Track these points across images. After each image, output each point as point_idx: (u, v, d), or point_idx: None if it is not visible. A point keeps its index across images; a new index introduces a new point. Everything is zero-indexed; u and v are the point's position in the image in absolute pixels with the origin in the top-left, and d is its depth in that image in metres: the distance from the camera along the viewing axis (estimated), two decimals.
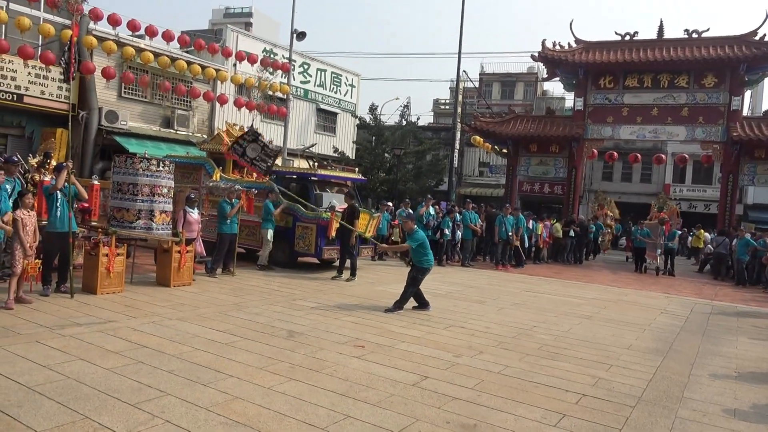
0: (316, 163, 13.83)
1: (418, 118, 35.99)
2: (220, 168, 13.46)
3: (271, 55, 23.81)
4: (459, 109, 31.01)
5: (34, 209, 7.49)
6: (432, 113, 48.71)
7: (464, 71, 29.84)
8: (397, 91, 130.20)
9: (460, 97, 31.18)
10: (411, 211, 15.53)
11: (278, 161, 20.08)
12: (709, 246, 20.27)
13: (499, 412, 4.51)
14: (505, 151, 24.54)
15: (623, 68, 21.21)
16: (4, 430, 3.62)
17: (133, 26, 14.39)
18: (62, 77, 16.73)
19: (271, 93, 19.77)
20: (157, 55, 15.90)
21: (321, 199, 12.59)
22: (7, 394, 4.15)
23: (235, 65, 21.30)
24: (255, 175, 14.68)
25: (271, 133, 23.92)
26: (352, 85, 30.24)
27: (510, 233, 15.60)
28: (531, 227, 17.52)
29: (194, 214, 10.24)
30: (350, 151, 29.81)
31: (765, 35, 19.73)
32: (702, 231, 23.04)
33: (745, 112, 23.25)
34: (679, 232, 20.18)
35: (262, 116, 22.53)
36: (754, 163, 20.50)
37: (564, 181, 23.64)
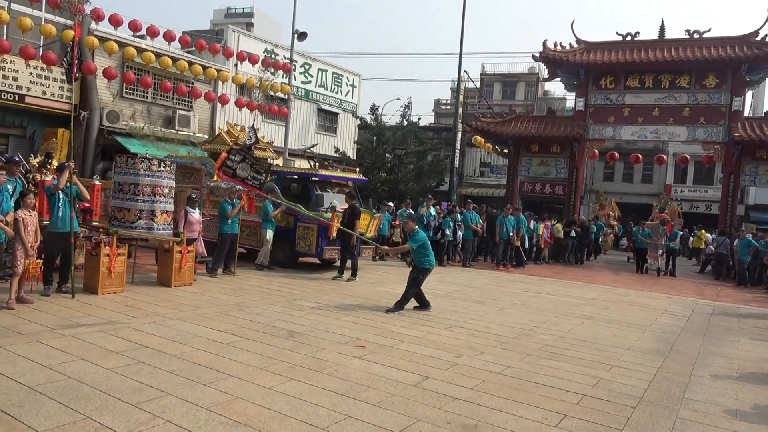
0: (317, 164, 13.84)
1: (419, 119, 36.04)
2: None
3: (273, 56, 23.82)
4: (460, 110, 31.03)
5: (36, 209, 7.50)
6: (433, 113, 48.72)
7: (465, 71, 29.88)
8: (398, 92, 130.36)
9: (461, 98, 31.18)
10: (412, 211, 15.53)
11: (279, 161, 20.11)
12: (711, 246, 20.25)
13: (499, 413, 4.50)
14: (506, 151, 24.54)
15: (624, 68, 21.20)
16: (5, 430, 3.62)
17: (134, 26, 14.39)
18: (64, 77, 16.81)
19: (272, 93, 19.79)
20: (158, 55, 15.91)
21: (322, 199, 12.59)
22: (8, 394, 4.16)
23: (236, 65, 21.29)
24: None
25: (272, 133, 23.94)
26: (353, 86, 30.25)
27: (511, 233, 15.59)
28: (532, 227, 17.53)
29: (195, 214, 10.25)
30: (351, 152, 29.81)
31: (766, 36, 19.70)
32: (703, 231, 23.02)
33: (747, 112, 23.24)
34: (681, 233, 20.16)
35: (263, 116, 22.54)
36: (756, 164, 20.48)
37: (565, 181, 23.63)
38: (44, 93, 17.03)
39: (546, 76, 25.60)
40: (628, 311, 10.06)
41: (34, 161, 10.33)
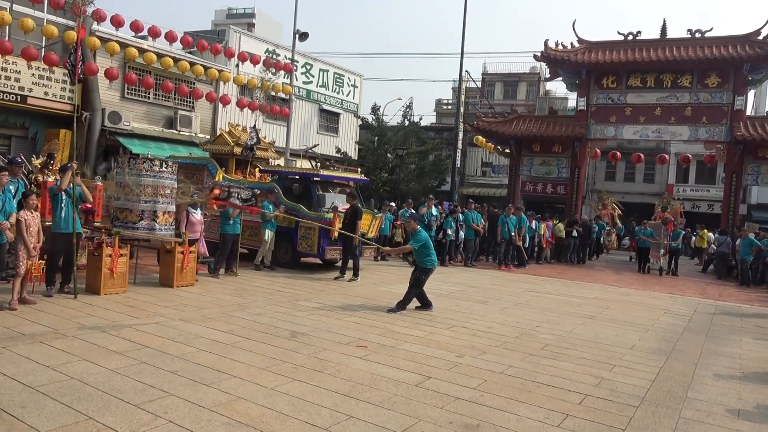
0: (319, 164, 13.83)
1: (420, 119, 36.02)
2: (223, 168, 13.49)
3: (274, 56, 23.82)
4: (461, 109, 31.00)
5: (38, 210, 7.51)
6: (434, 113, 48.76)
7: (467, 71, 29.88)
8: (400, 92, 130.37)
9: (462, 97, 31.16)
10: (413, 211, 15.53)
11: (281, 162, 20.13)
12: (713, 246, 20.22)
13: (501, 412, 4.50)
14: (507, 151, 24.52)
15: (626, 68, 21.17)
16: (7, 430, 3.63)
17: (136, 27, 14.43)
18: (66, 78, 16.85)
19: (273, 93, 19.79)
20: (160, 55, 15.94)
21: (324, 199, 12.59)
22: (11, 395, 4.17)
23: (237, 66, 21.30)
24: (258, 175, 14.73)
25: (273, 133, 23.95)
26: (354, 86, 30.25)
27: (512, 233, 15.58)
28: (534, 227, 17.52)
29: (197, 215, 10.26)
30: (353, 152, 29.82)
31: None
32: (705, 231, 22.98)
33: (749, 111, 23.19)
34: (683, 232, 20.13)
35: (265, 117, 22.55)
36: (758, 163, 20.45)
37: (567, 181, 23.60)
38: (46, 94, 17.05)
39: (547, 75, 25.58)
40: (631, 311, 10.04)
41: (37, 162, 10.36)
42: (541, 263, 18.08)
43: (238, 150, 13.86)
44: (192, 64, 17.00)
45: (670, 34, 21.74)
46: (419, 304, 8.59)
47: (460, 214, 15.69)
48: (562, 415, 4.53)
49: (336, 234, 11.41)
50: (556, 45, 22.15)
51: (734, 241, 17.18)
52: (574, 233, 18.97)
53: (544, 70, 31.69)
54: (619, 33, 22.02)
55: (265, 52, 23.52)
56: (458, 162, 32.34)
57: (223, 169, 13.48)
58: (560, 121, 23.50)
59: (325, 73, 28.34)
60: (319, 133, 28.16)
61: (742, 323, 9.57)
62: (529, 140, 23.21)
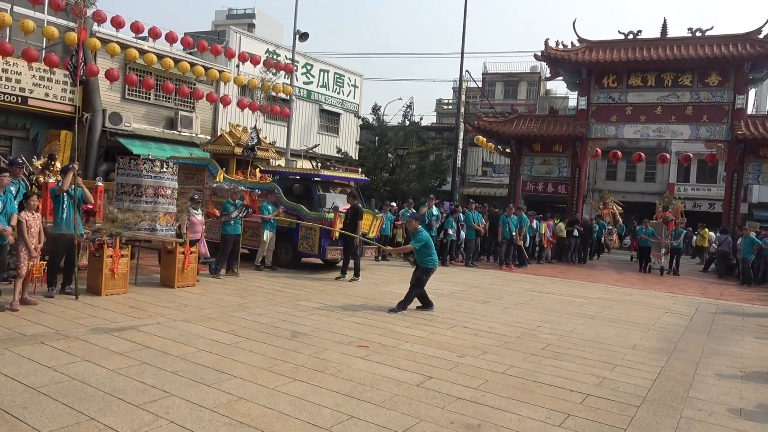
0: (319, 164, 13.85)
1: (421, 118, 36.01)
2: (224, 169, 13.50)
3: (274, 56, 23.82)
4: (462, 109, 30.98)
5: (39, 211, 7.52)
6: (435, 113, 48.74)
7: (467, 71, 29.87)
8: (400, 92, 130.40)
9: (463, 97, 31.15)
10: (414, 211, 15.53)
11: (281, 162, 20.13)
12: (714, 245, 20.20)
13: (503, 412, 4.50)
14: (508, 150, 24.51)
15: (627, 67, 21.17)
16: (9, 431, 3.63)
17: (136, 28, 14.44)
18: (67, 79, 16.86)
19: (274, 94, 19.79)
20: (160, 56, 15.94)
21: (324, 199, 12.60)
22: (12, 396, 4.17)
23: (238, 66, 21.30)
24: (258, 176, 14.74)
25: (274, 134, 23.96)
26: (354, 86, 30.25)
27: (513, 233, 15.58)
28: (535, 227, 17.51)
29: (198, 216, 10.26)
30: (353, 152, 29.82)
31: None
32: (707, 230, 22.97)
33: (750, 110, 23.17)
34: (685, 231, 20.12)
35: (265, 117, 22.54)
36: (759, 162, 20.43)
37: (568, 180, 23.59)
38: (47, 95, 17.06)
39: (548, 75, 25.56)
40: (632, 310, 10.04)
41: (37, 163, 10.37)
42: (542, 263, 18.07)
43: (238, 150, 13.87)
44: (192, 64, 17.00)
45: (671, 33, 21.73)
46: (420, 304, 8.59)
47: (461, 214, 15.68)
48: (563, 415, 4.53)
49: (337, 234, 11.41)
50: (557, 44, 22.14)
51: (735, 240, 17.17)
52: (575, 233, 18.97)
53: (545, 69, 31.67)
54: (619, 32, 22.03)
55: (265, 53, 23.52)
56: (459, 162, 32.34)
57: (224, 169, 13.48)
58: (561, 120, 23.49)
59: (326, 74, 28.34)
60: (319, 134, 28.16)
61: (744, 322, 9.56)
62: (530, 140, 23.20)
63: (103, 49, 14.31)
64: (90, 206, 9.10)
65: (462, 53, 25.61)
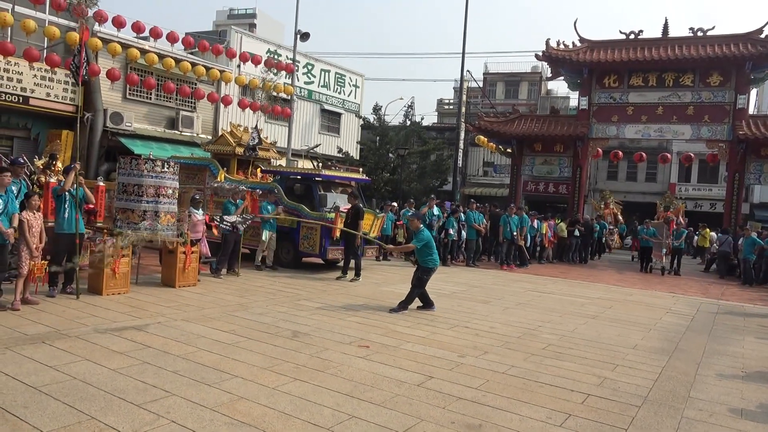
0: (321, 164, 13.85)
1: (422, 118, 36.04)
2: (225, 169, 13.50)
3: (275, 56, 23.84)
4: (463, 109, 30.98)
5: (40, 211, 7.53)
6: (436, 113, 48.72)
7: (468, 71, 29.81)
8: (401, 92, 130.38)
9: (464, 97, 31.16)
10: (414, 210, 15.53)
11: (283, 162, 20.13)
12: (715, 245, 20.19)
13: (504, 412, 4.50)
14: (509, 150, 24.51)
15: (628, 67, 21.15)
16: (11, 430, 3.64)
17: (137, 28, 14.45)
18: (68, 79, 16.88)
19: (275, 94, 19.82)
20: (161, 56, 15.95)
21: (325, 199, 12.60)
22: (13, 395, 4.17)
23: (239, 66, 21.32)
24: (259, 175, 14.74)
25: (275, 133, 23.96)
26: (356, 86, 30.26)
27: (514, 233, 15.58)
28: (536, 227, 17.50)
29: (199, 215, 10.27)
30: (354, 152, 29.83)
31: None
32: (708, 230, 22.95)
33: (751, 110, 23.16)
34: (686, 231, 20.11)
35: (267, 117, 22.58)
36: (761, 162, 20.42)
37: (569, 180, 23.58)
38: (48, 95, 17.08)
39: (549, 75, 25.54)
40: (633, 310, 10.03)
41: (39, 163, 10.38)
42: (543, 263, 18.06)
43: (239, 150, 13.87)
44: (194, 64, 17.01)
45: (672, 33, 21.73)
46: (421, 304, 8.59)
47: (461, 214, 15.68)
48: (564, 415, 4.52)
49: (338, 234, 11.41)
50: (558, 44, 22.13)
51: (736, 241, 17.15)
52: (576, 233, 18.95)
53: (546, 69, 31.63)
54: (620, 32, 22.01)
55: (266, 53, 23.54)
56: (460, 162, 32.35)
57: (225, 169, 13.48)
58: (562, 120, 23.49)
59: (327, 74, 28.34)
60: (320, 134, 28.17)
61: (745, 322, 9.55)
62: (531, 140, 23.19)
63: (104, 49, 14.33)
64: (91, 206, 9.11)
65: (463, 53, 25.61)
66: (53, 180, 9.57)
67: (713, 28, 20.70)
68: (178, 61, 16.14)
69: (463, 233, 15.54)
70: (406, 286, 8.82)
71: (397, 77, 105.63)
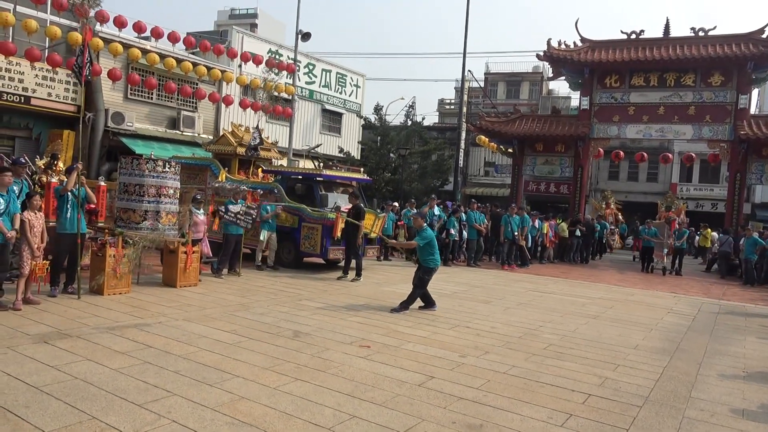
0: (322, 164, 13.85)
1: (423, 118, 36.01)
2: (226, 169, 13.50)
3: (277, 56, 23.86)
4: (464, 109, 30.97)
5: (42, 210, 7.54)
6: (437, 113, 48.72)
7: (469, 71, 29.72)
8: (402, 92, 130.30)
9: (465, 97, 31.13)
10: (415, 210, 15.51)
11: (284, 162, 20.14)
12: (716, 245, 20.17)
13: (505, 412, 4.49)
14: (510, 150, 24.50)
15: (629, 67, 21.14)
16: (12, 430, 3.64)
17: (138, 28, 14.47)
18: (69, 79, 16.90)
19: (276, 94, 19.84)
20: (162, 56, 15.97)
21: (326, 199, 12.60)
22: (15, 395, 4.18)
23: (240, 66, 21.35)
24: (261, 175, 14.75)
25: (276, 133, 23.98)
26: (357, 86, 30.26)
27: (515, 233, 15.57)
28: (537, 226, 17.49)
29: (200, 215, 10.28)
30: (355, 152, 29.84)
31: None
32: (709, 230, 22.93)
33: (753, 110, 23.13)
34: (688, 231, 20.10)
35: (268, 117, 22.59)
36: (762, 162, 20.40)
37: (570, 180, 23.57)
38: (50, 95, 17.10)
39: (550, 75, 25.52)
40: (634, 310, 10.02)
41: (40, 163, 10.38)
42: (544, 263, 18.05)
43: (241, 150, 13.88)
44: (195, 64, 17.02)
45: (674, 32, 21.76)
46: (422, 304, 8.59)
47: (463, 214, 15.68)
48: (565, 415, 4.52)
49: (339, 233, 11.42)
50: (559, 44, 22.12)
51: (737, 241, 17.13)
52: (578, 233, 18.95)
53: (547, 69, 31.61)
54: (622, 32, 21.99)
55: (267, 53, 23.55)
56: (461, 162, 32.32)
57: (226, 169, 13.48)
58: (563, 120, 23.48)
59: (328, 73, 28.35)
60: (321, 133, 28.18)
61: (747, 323, 9.54)
62: (532, 140, 23.19)
63: (105, 49, 14.34)
64: (93, 206, 9.12)
65: (464, 53, 25.61)
66: (54, 180, 9.58)
67: (715, 28, 20.70)
68: (179, 61, 16.16)
69: (464, 233, 15.54)
70: (407, 286, 8.82)
71: (399, 77, 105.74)
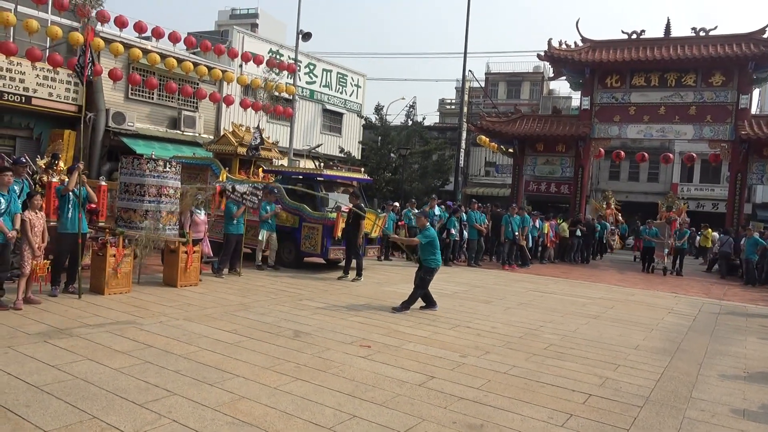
0: (322, 164, 13.85)
1: (423, 118, 36.02)
2: (227, 168, 13.51)
3: (277, 56, 23.86)
4: (465, 109, 30.96)
5: (43, 210, 7.54)
6: (438, 113, 48.70)
7: (470, 71, 29.73)
8: (403, 91, 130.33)
9: (465, 97, 31.12)
10: (416, 211, 15.52)
11: (284, 162, 20.14)
12: (717, 245, 20.15)
13: (505, 412, 4.49)
14: (511, 150, 24.50)
15: (630, 67, 21.13)
16: (13, 429, 3.64)
17: (139, 28, 14.48)
18: (70, 79, 16.90)
19: (277, 94, 19.85)
20: (163, 56, 15.98)
21: (327, 199, 12.60)
22: (15, 394, 4.18)
23: (241, 66, 21.36)
24: (261, 175, 14.76)
25: (277, 133, 23.98)
26: (357, 86, 30.26)
27: (516, 233, 15.56)
28: (537, 226, 17.49)
29: (201, 215, 10.28)
30: (356, 152, 29.84)
31: None
32: (710, 230, 22.91)
33: (754, 110, 23.11)
34: (689, 232, 20.09)
35: (268, 117, 22.58)
36: (763, 162, 20.39)
37: (571, 180, 23.57)
38: (51, 95, 17.11)
39: (551, 75, 25.52)
40: (635, 310, 10.02)
41: (41, 162, 10.40)
42: (545, 263, 18.04)
43: (241, 150, 13.89)
44: (196, 64, 17.02)
45: (674, 32, 21.76)
46: (423, 304, 8.59)
47: (463, 214, 15.67)
48: (566, 415, 4.52)
49: (339, 233, 11.42)
50: (560, 44, 22.11)
51: (738, 241, 17.12)
52: (578, 233, 18.94)
53: (548, 69, 31.61)
54: (623, 32, 21.98)
55: (268, 53, 23.55)
56: (461, 162, 32.32)
57: (227, 169, 13.50)
58: (564, 120, 23.47)
59: (329, 73, 28.35)
60: (322, 133, 28.18)
61: (747, 323, 9.53)
62: (533, 140, 23.18)
63: (106, 49, 14.36)
64: (94, 205, 9.13)
65: (465, 53, 25.60)
66: (55, 180, 9.59)
67: (715, 28, 20.69)
68: (180, 61, 16.16)
69: (465, 233, 15.54)
70: (407, 286, 8.82)
71: (399, 77, 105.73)
